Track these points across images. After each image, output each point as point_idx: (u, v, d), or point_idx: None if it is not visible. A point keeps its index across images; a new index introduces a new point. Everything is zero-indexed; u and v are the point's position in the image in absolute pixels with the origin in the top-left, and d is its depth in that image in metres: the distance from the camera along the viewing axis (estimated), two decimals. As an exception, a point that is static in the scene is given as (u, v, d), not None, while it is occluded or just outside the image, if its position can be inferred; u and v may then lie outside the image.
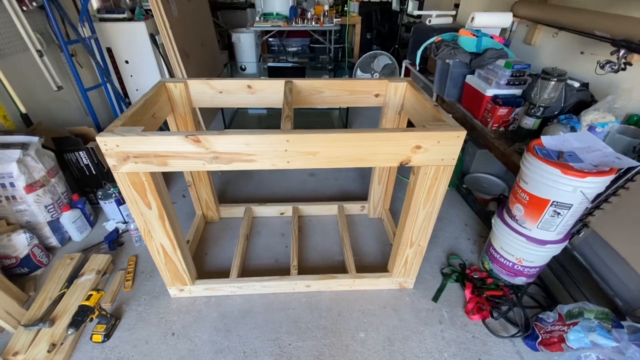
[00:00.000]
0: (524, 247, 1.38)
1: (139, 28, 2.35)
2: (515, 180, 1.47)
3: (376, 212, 1.96)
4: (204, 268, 1.63)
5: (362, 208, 1.98)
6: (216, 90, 1.44)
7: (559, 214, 1.24)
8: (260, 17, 3.97)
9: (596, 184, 1.14)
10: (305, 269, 1.61)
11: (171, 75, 2.62)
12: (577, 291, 1.48)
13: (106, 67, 2.32)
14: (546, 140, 1.32)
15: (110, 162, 1.00)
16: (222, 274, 1.56)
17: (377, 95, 1.51)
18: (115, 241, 1.74)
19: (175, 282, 1.42)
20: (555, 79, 1.57)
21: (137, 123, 1.12)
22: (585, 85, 1.75)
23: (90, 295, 1.27)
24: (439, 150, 1.05)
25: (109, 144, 0.96)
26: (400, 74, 3.46)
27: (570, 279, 1.52)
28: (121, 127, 1.01)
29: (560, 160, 1.21)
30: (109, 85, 2.26)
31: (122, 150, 0.97)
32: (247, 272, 1.60)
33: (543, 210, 1.26)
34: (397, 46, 3.86)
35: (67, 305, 1.37)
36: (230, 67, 3.35)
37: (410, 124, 1.58)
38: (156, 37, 2.43)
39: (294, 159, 1.04)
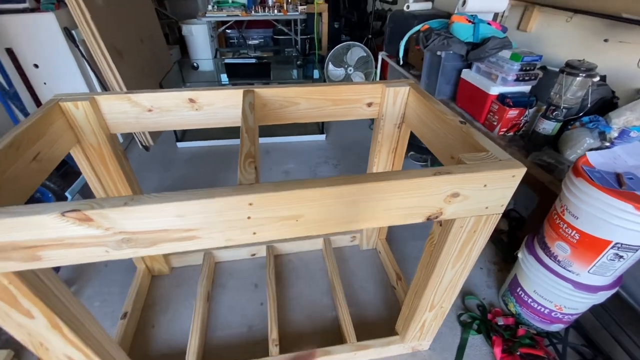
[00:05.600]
0: (568, 295, 1.08)
1: (47, 20, 1.79)
2: (545, 205, 1.17)
3: (370, 243, 1.60)
4: (151, 349, 1.20)
5: (353, 239, 1.62)
6: (142, 108, 1.00)
7: (621, 257, 0.95)
8: (213, 6, 3.43)
9: (678, 221, 0.85)
10: (289, 337, 1.22)
11: (101, 81, 2.09)
12: (622, 333, 1.22)
13: (4, 74, 1.75)
14: (594, 158, 1.01)
15: None
16: (176, 356, 1.14)
17: (370, 105, 1.13)
18: (21, 320, 1.25)
19: (103, 391, 0.98)
20: (584, 75, 1.28)
21: (-5, 180, 0.67)
22: (602, 79, 1.48)
23: None
24: (484, 196, 0.70)
25: None
26: (375, 68, 3.11)
27: (612, 318, 1.26)
28: (-56, 198, 0.56)
29: (623, 188, 0.91)
30: (8, 100, 1.70)
31: (-58, 246, 0.53)
32: (210, 350, 1.19)
33: (600, 253, 0.96)
34: (370, 36, 3.49)
35: None
36: (180, 66, 2.82)
37: (412, 137, 1.23)
38: (73, 31, 1.88)
39: (264, 228, 0.64)
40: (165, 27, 3.96)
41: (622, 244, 0.91)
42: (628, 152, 1.03)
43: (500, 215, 0.76)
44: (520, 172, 0.68)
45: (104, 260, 0.62)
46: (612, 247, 0.93)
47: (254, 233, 0.65)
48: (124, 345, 1.18)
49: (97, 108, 0.95)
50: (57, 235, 0.56)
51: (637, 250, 0.92)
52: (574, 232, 0.99)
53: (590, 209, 0.93)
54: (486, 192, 0.69)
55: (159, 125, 1.03)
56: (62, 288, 0.74)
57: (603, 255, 0.96)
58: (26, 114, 1.82)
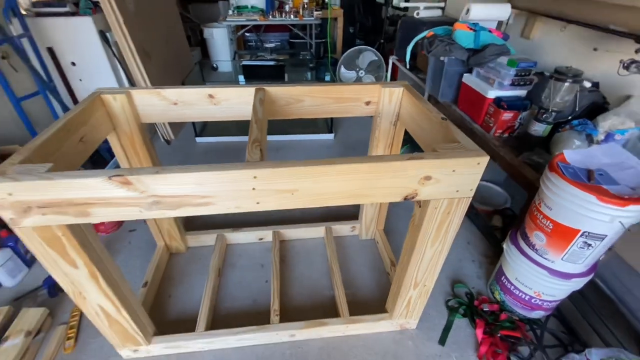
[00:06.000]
0: (545, 281, 1.18)
1: (85, 24, 2.01)
2: (531, 201, 1.27)
3: (369, 233, 1.72)
4: (167, 315, 1.36)
5: (353, 229, 1.74)
6: (169, 102, 1.16)
7: (589, 245, 1.04)
8: (233, 11, 3.63)
9: (638, 213, 0.94)
10: (289, 310, 1.36)
11: (129, 78, 2.29)
12: (601, 324, 1.30)
13: (45, 70, 1.97)
14: (570, 156, 1.11)
15: (5, 215, 0.71)
16: (188, 322, 1.29)
17: (368, 103, 1.26)
18: (56, 285, 1.43)
19: (127, 344, 1.14)
20: (571, 80, 1.36)
21: (52, 155, 0.83)
22: (595, 85, 1.55)
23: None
24: (454, 180, 0.82)
25: (-2, 193, 0.67)
26: (386, 71, 3.22)
27: (592, 310, 1.34)
28: (19, 165, 0.72)
29: (592, 182, 1.00)
30: (49, 93, 1.92)
31: (19, 200, 0.69)
32: (219, 318, 1.33)
33: (571, 242, 1.06)
34: (382, 41, 3.62)
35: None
36: (201, 67, 3.01)
37: (406, 134, 1.35)
38: (107, 34, 2.09)
39: (266, 199, 0.78)
40: (188, 30, 4.20)
41: (589, 233, 1.00)
42: (604, 152, 1.12)
43: (471, 198, 0.87)
44: (484, 160, 0.79)
45: (138, 218, 0.77)
46: (581, 236, 1.02)
47: (258, 203, 0.78)
48: (144, 308, 1.33)
49: (132, 100, 1.12)
50: (103, 195, 0.71)
51: (603, 239, 1.01)
52: (549, 222, 1.09)
53: (562, 201, 1.03)
54: (455, 176, 0.81)
55: (182, 117, 1.19)
56: (100, 245, 0.90)
57: (574, 244, 1.05)
58: (64, 106, 2.04)
